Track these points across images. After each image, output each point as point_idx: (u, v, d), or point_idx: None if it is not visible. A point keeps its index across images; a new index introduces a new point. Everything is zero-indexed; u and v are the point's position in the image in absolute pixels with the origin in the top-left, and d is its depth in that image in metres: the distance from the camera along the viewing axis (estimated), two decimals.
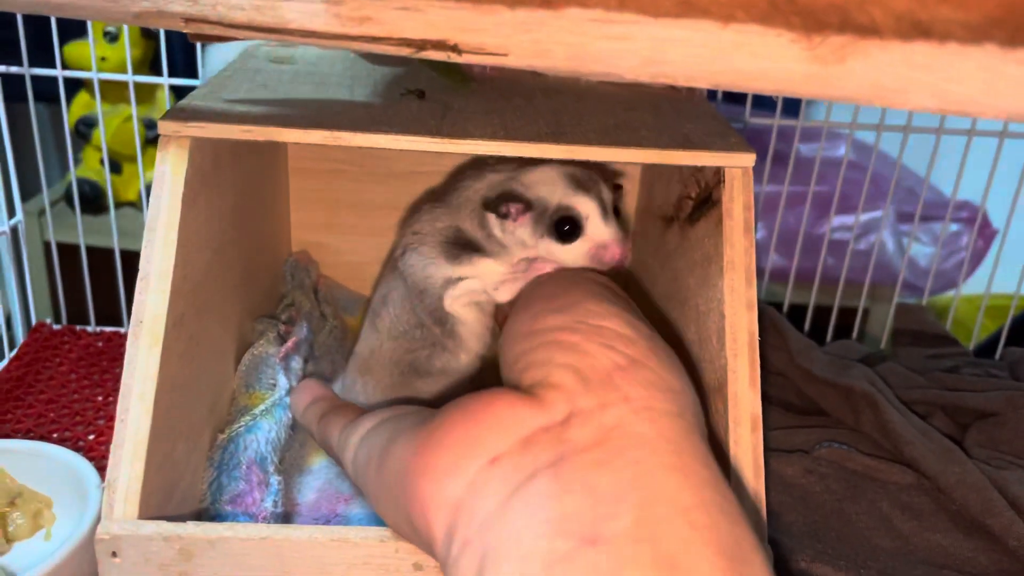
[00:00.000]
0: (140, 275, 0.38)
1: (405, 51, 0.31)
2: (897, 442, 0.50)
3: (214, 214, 0.43)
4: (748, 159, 0.40)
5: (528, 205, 0.44)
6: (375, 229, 0.62)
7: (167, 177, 0.39)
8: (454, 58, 0.30)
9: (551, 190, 0.44)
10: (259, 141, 0.39)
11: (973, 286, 1.01)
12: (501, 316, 0.46)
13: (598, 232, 0.44)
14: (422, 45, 0.30)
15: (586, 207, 0.44)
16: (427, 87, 0.47)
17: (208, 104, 0.41)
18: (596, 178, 0.45)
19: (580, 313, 0.35)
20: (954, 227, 1.15)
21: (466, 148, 0.39)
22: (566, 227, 0.44)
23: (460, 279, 0.46)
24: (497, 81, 0.51)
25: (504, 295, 0.45)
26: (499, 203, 0.44)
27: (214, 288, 0.44)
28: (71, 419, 0.59)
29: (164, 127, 0.39)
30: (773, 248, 0.88)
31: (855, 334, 0.74)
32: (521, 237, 0.45)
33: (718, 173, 0.41)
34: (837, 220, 1.04)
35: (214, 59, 0.62)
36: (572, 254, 0.44)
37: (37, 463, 0.48)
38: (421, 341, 0.48)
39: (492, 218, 0.45)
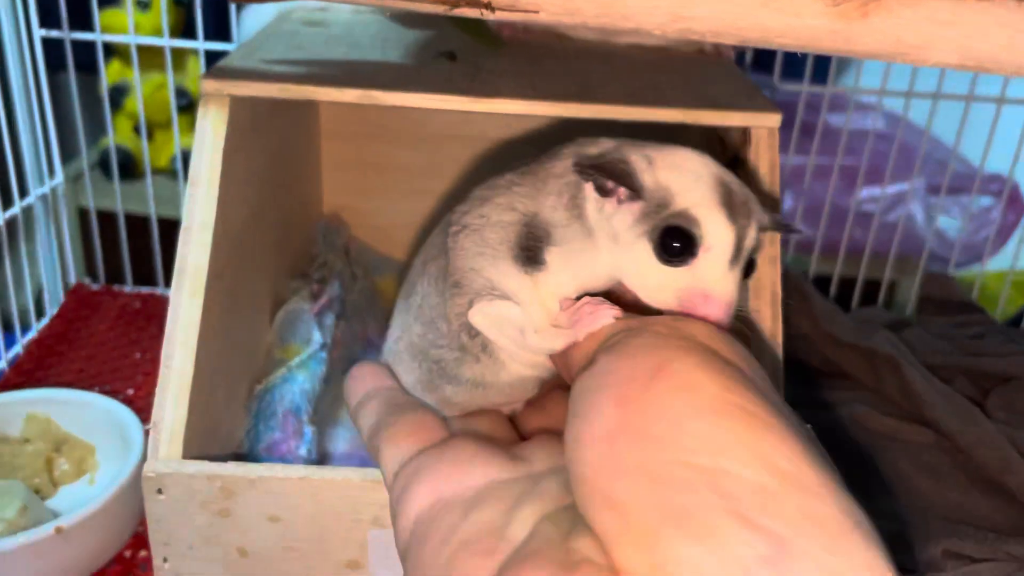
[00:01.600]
0: (183, 227, 0.39)
1: (440, 8, 0.32)
2: (918, 403, 0.51)
3: (252, 172, 0.45)
4: (774, 119, 0.41)
5: (639, 192, 0.31)
6: (405, 192, 0.63)
7: (209, 133, 0.40)
8: (487, 15, 0.31)
9: (685, 185, 0.31)
10: (293, 102, 0.40)
11: (1001, 261, 1.00)
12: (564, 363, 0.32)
13: (712, 274, 0.30)
14: (456, 2, 0.31)
15: (718, 233, 0.30)
16: (458, 49, 0.48)
17: (246, 64, 0.43)
18: (752, 207, 0.32)
19: (680, 444, 0.24)
20: (984, 200, 1.15)
21: (496, 107, 0.40)
22: (676, 243, 0.30)
23: (500, 297, 0.33)
24: (527, 44, 0.52)
25: (543, 342, 0.32)
26: (604, 172, 0.31)
27: (252, 245, 0.46)
28: (111, 374, 0.61)
29: (206, 86, 0.40)
30: (800, 218, 0.88)
31: (880, 305, 0.75)
32: (616, 228, 0.31)
33: (744, 133, 0.42)
34: (865, 192, 1.04)
35: (249, 24, 0.64)
36: (662, 284, 0.31)
37: (82, 412, 0.50)
38: (447, 339, 0.35)
39: (589, 188, 0.32)
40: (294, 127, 0.55)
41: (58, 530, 0.40)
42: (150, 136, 1.11)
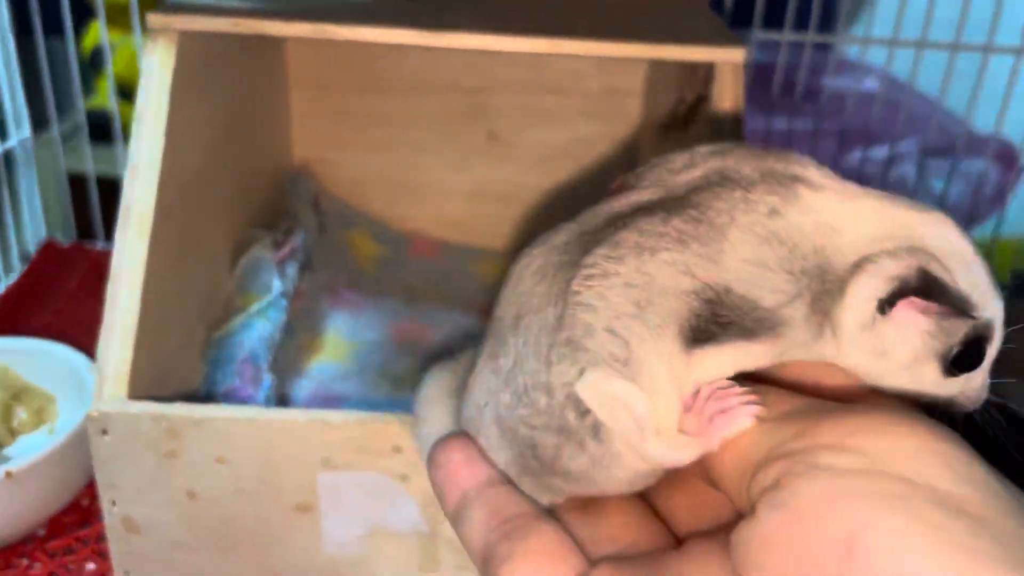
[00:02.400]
0: (128, 165, 0.38)
1: None
2: None
3: (207, 114, 0.44)
4: (738, 54, 0.40)
5: (960, 308, 0.25)
6: (375, 144, 0.62)
7: (155, 71, 0.39)
8: None
9: (983, 289, 0.26)
10: (254, 43, 0.39)
11: (1002, 226, 0.99)
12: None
13: (982, 380, 0.27)
14: None
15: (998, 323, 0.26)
16: None
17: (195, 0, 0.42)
18: None
19: None
20: (981, 163, 1.13)
21: (455, 43, 0.39)
22: (972, 357, 0.26)
23: (626, 376, 0.25)
24: None
25: (664, 451, 0.25)
26: (913, 294, 0.25)
27: (209, 188, 0.45)
28: (78, 329, 0.60)
29: (152, 21, 0.39)
30: None
31: None
32: (890, 345, 0.26)
33: (710, 71, 0.41)
34: (859, 154, 1.03)
35: None
36: (934, 386, 0.26)
37: (41, 362, 0.49)
38: (546, 416, 0.26)
39: (867, 307, 0.25)
40: (257, 72, 0.54)
41: (8, 474, 0.39)
42: (131, 98, 1.10)
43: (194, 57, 0.41)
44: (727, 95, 0.40)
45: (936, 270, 0.25)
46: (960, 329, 0.25)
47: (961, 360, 0.25)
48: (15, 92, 0.66)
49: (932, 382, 0.26)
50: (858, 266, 0.26)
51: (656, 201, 0.27)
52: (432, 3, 0.45)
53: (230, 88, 0.48)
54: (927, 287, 0.25)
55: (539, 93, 0.60)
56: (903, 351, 0.26)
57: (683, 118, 0.46)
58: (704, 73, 0.42)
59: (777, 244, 0.26)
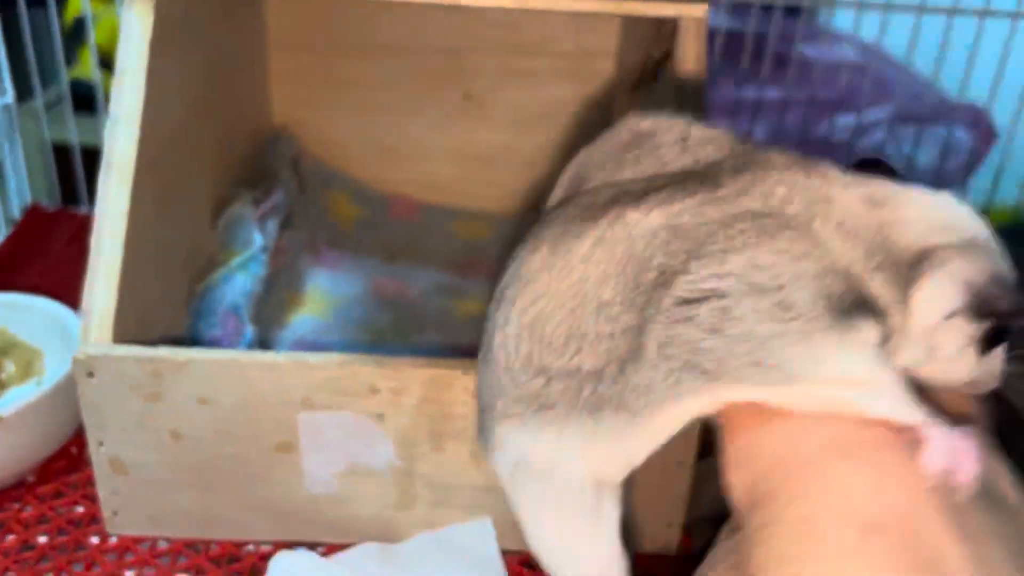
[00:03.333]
0: (110, 119, 0.39)
1: None
2: None
3: (186, 67, 0.45)
4: (700, 9, 0.41)
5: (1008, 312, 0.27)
6: (357, 106, 0.63)
7: (135, 26, 0.40)
8: None
9: (1004, 271, 0.28)
10: (233, 4, 0.40)
11: (977, 194, 1.01)
12: None
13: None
14: None
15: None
16: None
17: None
18: None
19: None
20: (955, 131, 1.15)
21: None
22: (997, 341, 0.28)
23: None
24: None
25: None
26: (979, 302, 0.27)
27: (190, 144, 0.46)
28: (63, 289, 0.61)
29: None
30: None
31: None
32: (942, 343, 0.27)
33: (675, 29, 0.42)
34: (837, 122, 1.04)
35: None
36: (963, 373, 0.28)
37: (28, 316, 0.50)
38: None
39: (937, 311, 0.27)
40: (237, 32, 0.55)
41: None
42: (113, 68, 1.10)
43: (173, 15, 0.42)
44: (690, 50, 0.41)
45: (997, 275, 0.27)
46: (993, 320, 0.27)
47: (991, 341, 0.27)
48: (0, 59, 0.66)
49: (963, 369, 0.28)
50: (925, 258, 0.26)
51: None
52: None
53: (210, 47, 0.49)
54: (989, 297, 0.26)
55: (514, 54, 0.61)
56: (950, 349, 0.27)
57: (651, 74, 0.47)
58: (670, 30, 0.43)
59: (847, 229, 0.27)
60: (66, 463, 0.46)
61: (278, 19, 0.60)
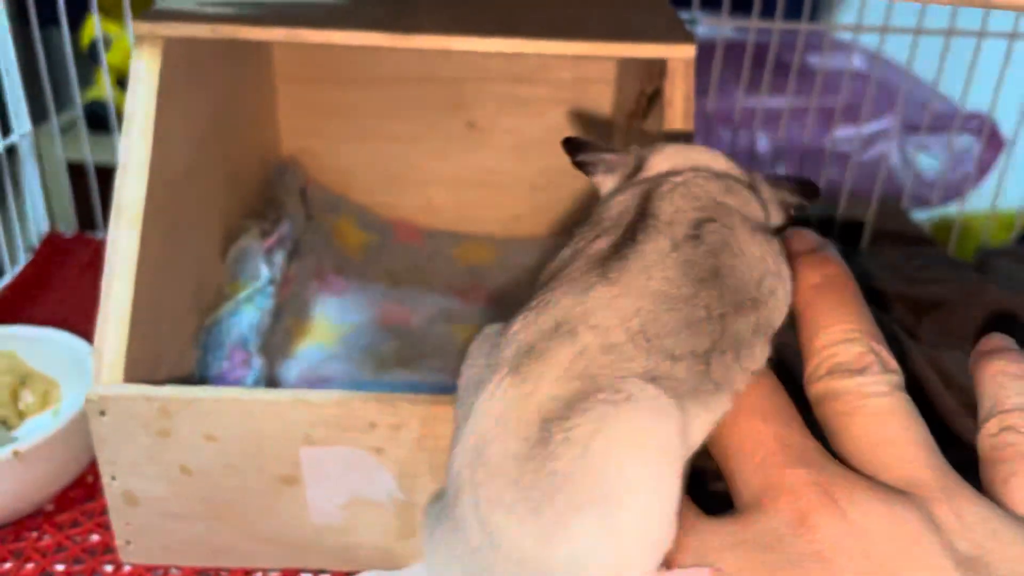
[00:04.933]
0: (119, 164, 0.41)
1: None
2: (962, 425, 0.52)
3: (194, 112, 0.46)
4: (688, 51, 0.42)
5: None
6: (361, 135, 0.65)
7: (142, 74, 0.42)
8: None
9: None
10: (239, 44, 0.42)
11: (981, 200, 1.01)
12: None
13: None
14: None
15: None
16: None
17: (181, 6, 0.44)
18: None
19: None
20: (962, 139, 1.15)
21: (420, 44, 0.42)
22: None
23: None
24: None
25: None
26: None
27: (198, 182, 0.47)
28: (80, 317, 0.63)
29: (138, 28, 0.42)
30: (773, 160, 0.89)
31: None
32: None
33: (664, 66, 0.43)
34: (842, 132, 1.05)
35: None
36: None
37: (46, 348, 0.52)
38: None
39: None
40: (244, 69, 0.57)
41: (15, 453, 0.42)
42: (126, 88, 1.13)
43: (180, 59, 0.44)
44: (678, 91, 0.42)
45: None
46: None
47: None
48: (15, 87, 0.68)
49: None
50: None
51: None
52: (408, 3, 0.47)
53: (217, 86, 0.50)
54: None
55: (515, 83, 0.63)
56: None
57: (643, 110, 0.48)
58: (660, 68, 0.45)
59: None
60: (82, 492, 0.47)
61: (283, 54, 0.62)
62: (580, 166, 0.35)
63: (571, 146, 0.35)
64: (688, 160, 0.32)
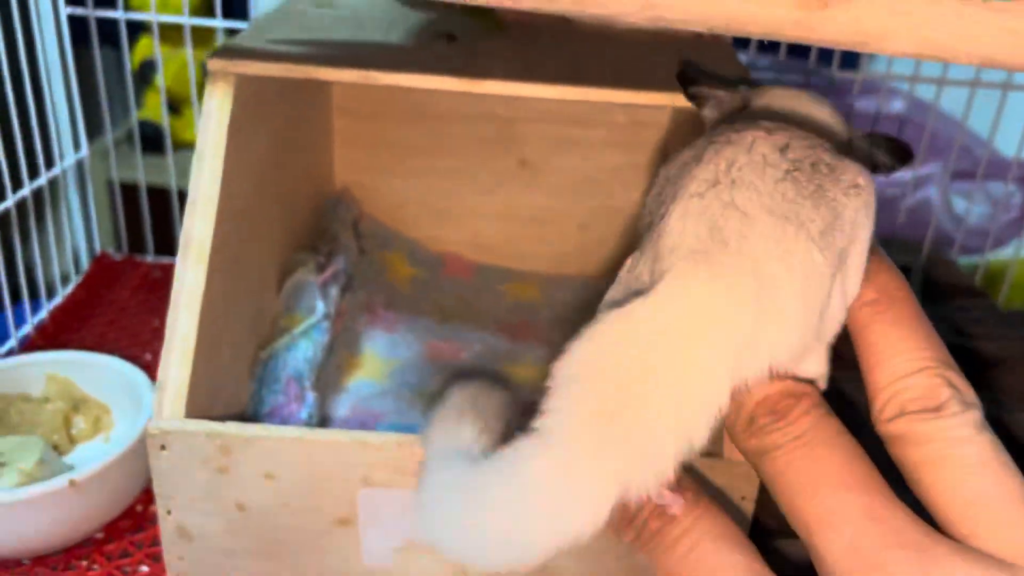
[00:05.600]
0: (189, 200, 0.41)
1: None
2: None
3: (258, 147, 0.47)
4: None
5: None
6: (412, 170, 0.65)
7: (214, 111, 0.42)
8: (471, 1, 0.33)
9: None
10: (302, 80, 0.42)
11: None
12: None
13: None
14: None
15: None
16: (460, 31, 0.50)
17: (253, 44, 0.45)
18: None
19: None
20: (1008, 187, 1.14)
21: (487, 89, 0.42)
22: None
23: None
24: (528, 27, 0.53)
25: None
26: None
27: (258, 215, 0.48)
28: (130, 340, 0.63)
29: (212, 65, 0.42)
30: None
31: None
32: None
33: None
34: (886, 175, 1.04)
35: (264, 2, 0.66)
36: None
37: (99, 374, 0.52)
38: None
39: None
40: (305, 104, 0.57)
41: (72, 483, 0.43)
42: (179, 111, 1.14)
43: (249, 96, 0.44)
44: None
45: None
46: None
47: None
48: (75, 112, 0.69)
49: None
50: None
51: None
52: (468, 45, 0.48)
53: (280, 121, 0.51)
54: None
55: (568, 124, 0.63)
56: None
57: None
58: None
59: None
60: (132, 522, 0.47)
61: (342, 88, 0.62)
62: (691, 98, 0.36)
63: (685, 77, 0.35)
64: (788, 105, 0.32)
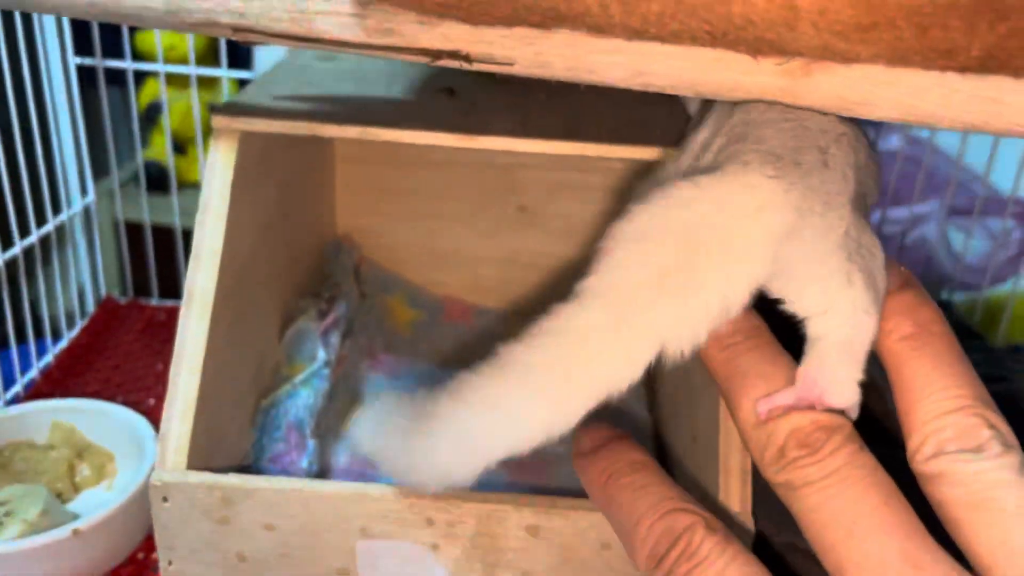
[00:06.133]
0: (192, 253, 0.42)
1: (423, 59, 0.35)
2: (895, 425, 0.52)
3: (261, 199, 0.48)
4: None
5: None
6: (412, 215, 0.66)
7: (218, 166, 0.43)
8: (465, 66, 0.34)
9: None
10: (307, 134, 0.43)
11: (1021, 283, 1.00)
12: None
13: None
14: (438, 54, 0.34)
15: None
16: (459, 84, 0.51)
17: (257, 100, 0.46)
18: None
19: None
20: (999, 223, 1.15)
21: (485, 144, 0.43)
22: None
23: None
24: (526, 80, 0.54)
25: None
26: None
27: (260, 266, 0.49)
28: (134, 384, 0.64)
29: (217, 121, 0.43)
30: None
31: None
32: None
33: None
34: (883, 213, 1.05)
35: (266, 52, 0.67)
36: None
37: (103, 421, 0.53)
38: None
39: None
40: (308, 154, 0.58)
41: (75, 532, 0.43)
42: (184, 151, 1.16)
43: (253, 151, 0.45)
44: None
45: None
46: None
47: None
48: (83, 159, 0.71)
49: None
50: None
51: None
52: (467, 99, 0.49)
53: (283, 173, 0.52)
54: None
55: (566, 169, 0.64)
56: None
57: None
58: None
59: None
60: (134, 569, 0.48)
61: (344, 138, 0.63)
62: None
63: None
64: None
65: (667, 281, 0.29)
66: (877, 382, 0.48)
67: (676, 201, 0.30)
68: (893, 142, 1.06)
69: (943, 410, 0.26)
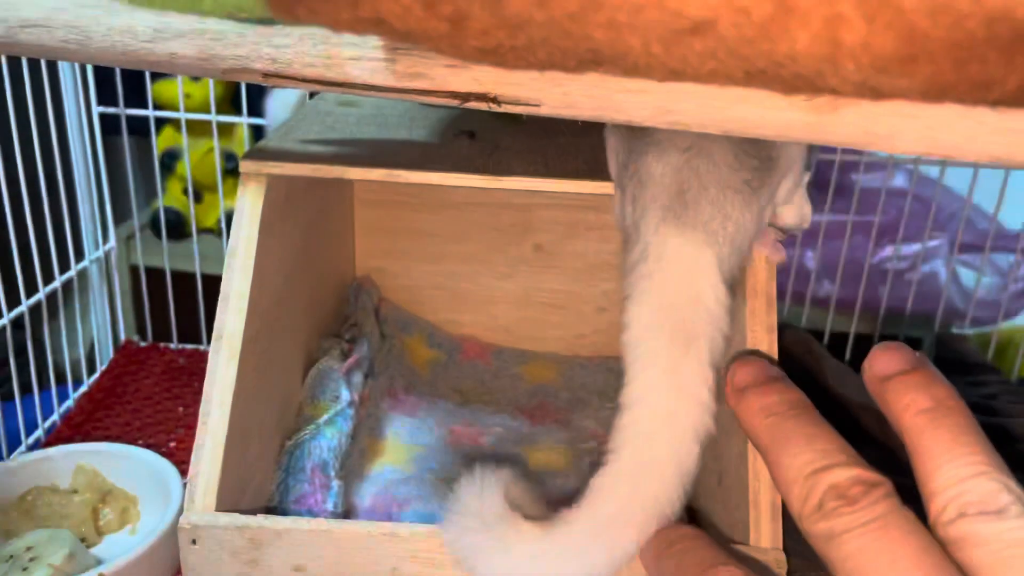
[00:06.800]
0: (221, 296, 0.43)
1: (453, 102, 0.35)
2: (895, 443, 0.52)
3: (287, 242, 0.48)
4: None
5: None
6: (430, 256, 0.67)
7: (247, 210, 0.44)
8: (494, 108, 0.35)
9: None
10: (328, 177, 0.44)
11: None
12: None
13: None
14: (466, 97, 0.35)
15: None
16: (479, 126, 0.52)
17: (283, 145, 0.47)
18: None
19: None
20: (1009, 257, 1.15)
21: (509, 185, 0.44)
22: None
23: None
24: (545, 120, 0.55)
25: None
26: None
27: (285, 309, 0.49)
28: (155, 427, 0.64)
29: (245, 166, 0.44)
30: (815, 276, 0.90)
31: None
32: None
33: None
34: (890, 249, 1.05)
35: (281, 98, 0.68)
36: None
37: (126, 465, 0.53)
38: None
39: None
40: (330, 198, 0.59)
41: None
42: (200, 198, 1.17)
43: (279, 194, 0.46)
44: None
45: None
46: None
47: None
48: (105, 207, 0.72)
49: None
50: None
51: None
52: (488, 141, 0.50)
53: (307, 215, 0.53)
54: None
55: (582, 209, 0.64)
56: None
57: None
58: None
59: None
60: None
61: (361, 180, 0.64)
62: None
63: None
64: None
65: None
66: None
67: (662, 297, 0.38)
68: (899, 181, 1.07)
69: (964, 476, 0.27)
